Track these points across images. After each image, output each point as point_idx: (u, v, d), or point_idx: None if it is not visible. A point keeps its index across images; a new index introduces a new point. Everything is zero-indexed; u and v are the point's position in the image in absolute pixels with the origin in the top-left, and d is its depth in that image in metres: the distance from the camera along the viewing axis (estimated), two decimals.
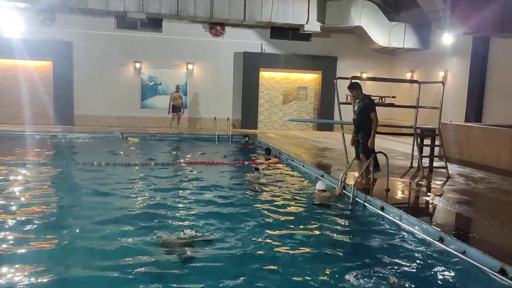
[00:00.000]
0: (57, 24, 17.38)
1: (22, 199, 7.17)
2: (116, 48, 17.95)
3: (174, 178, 9.20)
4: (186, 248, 4.97)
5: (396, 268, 4.62)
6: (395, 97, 10.14)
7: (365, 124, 7.29)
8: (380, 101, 9.96)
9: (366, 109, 7.25)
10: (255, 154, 13.21)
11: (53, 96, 17.72)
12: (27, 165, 9.86)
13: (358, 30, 18.15)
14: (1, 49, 16.79)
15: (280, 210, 6.77)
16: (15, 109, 17.41)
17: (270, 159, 11.98)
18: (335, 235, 5.71)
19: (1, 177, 8.55)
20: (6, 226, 5.63)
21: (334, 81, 9.16)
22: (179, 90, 17.12)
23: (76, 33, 17.47)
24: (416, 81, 9.93)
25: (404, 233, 5.65)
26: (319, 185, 7.76)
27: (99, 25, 17.63)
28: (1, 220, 5.86)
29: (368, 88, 18.01)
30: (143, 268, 4.45)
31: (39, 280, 4.14)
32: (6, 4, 15.97)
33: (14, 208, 6.51)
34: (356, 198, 7.14)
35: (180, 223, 5.94)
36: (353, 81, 7.76)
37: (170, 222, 6.01)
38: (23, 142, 13.92)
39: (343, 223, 6.33)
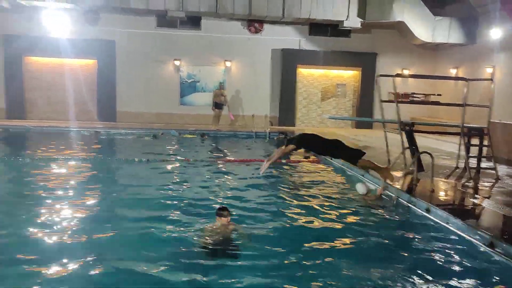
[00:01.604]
0: (101, 24, 17.92)
1: (71, 192, 7.42)
2: (156, 46, 18.31)
3: (213, 175, 9.25)
4: (226, 242, 5.02)
5: (444, 274, 4.45)
6: (440, 95, 9.81)
7: None
8: (425, 99, 9.63)
9: None
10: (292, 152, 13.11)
11: (97, 93, 18.31)
12: (80, 159, 10.23)
13: (400, 25, 17.66)
14: (49, 49, 17.47)
15: (319, 210, 6.68)
16: (62, 105, 18.12)
17: (309, 157, 11.87)
18: (377, 237, 5.57)
19: (54, 171, 8.91)
20: (56, 219, 5.85)
21: (376, 78, 8.94)
22: (222, 87, 17.33)
23: (118, 32, 17.95)
24: (464, 79, 9.53)
25: (452, 237, 5.44)
26: (360, 189, 7.57)
27: (140, 24, 18.03)
28: (51, 211, 6.10)
29: (411, 85, 17.59)
30: (186, 260, 4.52)
31: (88, 272, 4.28)
32: (54, 5, 16.61)
33: (61, 201, 6.75)
34: (399, 199, 6.95)
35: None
36: None
37: (209, 217, 6.04)
38: (75, 137, 14.53)
39: (385, 225, 6.17)
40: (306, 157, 11.85)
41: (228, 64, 18.69)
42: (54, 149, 11.80)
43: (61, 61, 17.96)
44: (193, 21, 18.21)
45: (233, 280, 4.20)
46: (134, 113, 18.48)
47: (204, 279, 4.20)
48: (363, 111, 19.01)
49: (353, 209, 6.85)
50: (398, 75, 8.03)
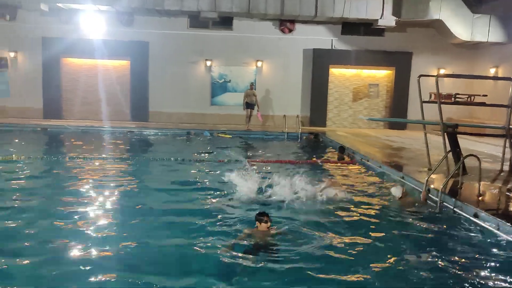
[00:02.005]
0: (135, 25, 18.20)
1: (107, 192, 7.50)
2: (189, 46, 18.45)
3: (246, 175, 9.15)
4: (266, 246, 4.95)
5: (497, 280, 4.25)
6: (486, 95, 9.44)
7: None
8: (469, 100, 9.28)
9: None
10: (325, 153, 12.97)
11: (130, 93, 18.61)
12: (118, 159, 10.40)
13: (437, 24, 17.18)
14: (85, 50, 17.89)
15: (357, 214, 6.51)
16: (96, 105, 18.50)
17: (343, 158, 11.68)
18: (421, 242, 5.38)
19: (93, 169, 9.07)
20: (90, 215, 5.91)
21: (417, 78, 8.67)
22: (252, 87, 17.34)
23: (152, 33, 18.19)
24: (509, 78, 9.15)
25: (504, 243, 5.20)
26: (395, 192, 7.32)
27: (173, 25, 18.21)
28: (84, 211, 6.17)
29: (446, 86, 17.06)
30: (224, 264, 4.48)
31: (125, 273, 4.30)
32: (91, 7, 16.98)
33: (96, 199, 6.84)
34: (444, 203, 6.70)
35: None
36: None
37: (246, 219, 5.98)
38: (116, 137, 14.92)
39: (430, 230, 5.94)
40: (340, 159, 11.67)
41: (259, 64, 18.65)
42: (93, 148, 12.05)
43: (96, 62, 18.35)
44: (225, 21, 18.25)
45: (271, 283, 4.13)
46: (166, 113, 18.68)
47: (243, 282, 4.15)
48: (397, 112, 18.60)
49: (392, 212, 6.65)
50: (441, 75, 7.73)
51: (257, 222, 5.32)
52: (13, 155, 10.13)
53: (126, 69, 18.70)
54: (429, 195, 7.14)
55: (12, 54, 18.11)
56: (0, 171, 8.71)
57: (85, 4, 16.69)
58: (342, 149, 12.18)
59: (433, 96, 8.95)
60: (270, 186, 7.35)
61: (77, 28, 17.72)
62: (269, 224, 5.30)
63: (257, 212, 5.51)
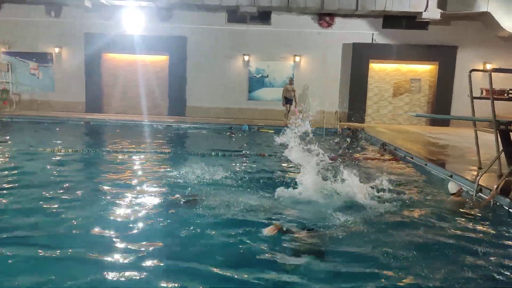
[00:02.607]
0: (173, 20, 18.39)
1: (155, 187, 7.56)
2: (226, 41, 18.47)
3: (282, 172, 9.03)
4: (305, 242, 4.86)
5: None
6: None
7: None
8: None
9: None
10: (366, 149, 12.67)
11: (168, 88, 18.85)
12: (165, 154, 10.54)
13: (484, 16, 16.43)
14: (125, 46, 18.25)
15: (403, 215, 6.26)
16: (135, 100, 18.86)
17: (384, 154, 11.37)
18: (475, 246, 5.10)
19: (137, 163, 9.21)
20: (131, 210, 5.96)
21: (468, 74, 8.28)
22: (292, 82, 17.21)
23: (190, 28, 18.33)
24: None
25: None
26: (452, 187, 7.01)
27: (211, 20, 18.27)
28: (127, 204, 6.23)
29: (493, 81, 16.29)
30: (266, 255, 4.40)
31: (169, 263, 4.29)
32: (132, 3, 17.28)
33: (140, 193, 6.90)
34: (498, 204, 6.36)
35: (296, 219, 5.76)
36: None
37: (283, 216, 5.87)
38: (155, 131, 15.14)
39: (483, 232, 5.65)
40: (381, 155, 11.37)
41: (297, 59, 18.45)
42: (137, 142, 12.26)
43: (135, 57, 18.66)
44: (263, 16, 18.15)
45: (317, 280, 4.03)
46: (203, 108, 18.80)
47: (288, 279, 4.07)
48: (440, 108, 17.96)
49: (441, 212, 6.35)
50: (495, 70, 7.34)
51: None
52: (60, 148, 10.43)
53: (165, 64, 18.94)
54: (480, 194, 6.81)
55: (57, 50, 18.71)
56: (49, 163, 8.97)
57: (127, 0, 16.99)
58: (383, 145, 11.87)
59: (484, 92, 8.54)
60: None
61: (117, 24, 18.09)
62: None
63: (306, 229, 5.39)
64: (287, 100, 17.02)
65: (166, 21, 18.36)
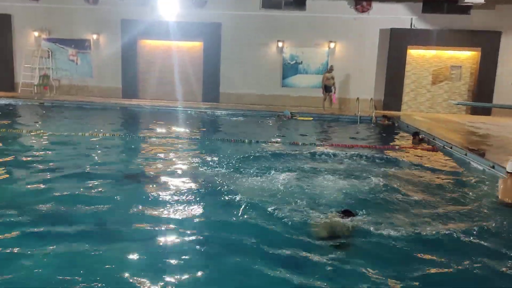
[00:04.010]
0: (208, 7, 18.39)
1: (188, 175, 7.63)
2: (261, 27, 18.32)
3: (313, 161, 8.89)
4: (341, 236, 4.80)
5: None
6: None
7: None
8: None
9: None
10: (402, 138, 12.37)
11: (203, 74, 18.94)
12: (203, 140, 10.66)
13: None
14: (160, 32, 18.39)
15: (446, 207, 6.05)
16: (170, 86, 19.06)
17: (421, 144, 11.05)
18: None
19: (179, 149, 9.35)
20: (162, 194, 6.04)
21: None
22: (332, 70, 16.96)
23: (224, 14, 18.28)
24: None
25: None
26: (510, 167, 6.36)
27: (246, 6, 18.16)
28: (158, 187, 6.31)
29: None
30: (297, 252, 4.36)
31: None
32: None
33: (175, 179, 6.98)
34: None
35: (326, 207, 5.66)
36: None
37: (316, 206, 5.78)
38: (193, 117, 15.40)
39: None
40: (416, 144, 11.06)
41: (332, 45, 18.11)
42: (179, 128, 12.44)
43: (170, 44, 18.82)
44: (298, 1, 17.88)
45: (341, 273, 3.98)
46: (236, 94, 18.81)
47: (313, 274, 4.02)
48: (481, 96, 17.22)
49: (490, 206, 6.08)
50: None
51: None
52: (97, 132, 10.71)
53: (199, 51, 19.01)
54: None
55: (94, 36, 19.12)
56: (86, 147, 9.23)
57: None
58: (416, 135, 11.56)
59: None
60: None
61: (153, 10, 18.21)
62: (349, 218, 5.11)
63: (341, 210, 5.32)
64: (327, 88, 16.81)
65: (201, 7, 18.39)
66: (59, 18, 19.00)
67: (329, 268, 4.06)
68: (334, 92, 16.91)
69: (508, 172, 6.32)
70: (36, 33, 19.24)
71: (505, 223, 5.31)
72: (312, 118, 15.61)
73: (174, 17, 18.29)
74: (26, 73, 19.09)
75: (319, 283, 3.80)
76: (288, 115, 15.54)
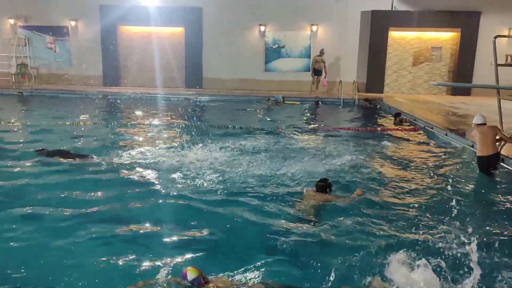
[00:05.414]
0: None
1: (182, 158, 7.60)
2: (242, 11, 18.12)
3: (305, 143, 8.99)
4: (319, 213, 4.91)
5: None
6: None
7: None
8: None
9: None
10: (384, 119, 12.54)
11: (185, 60, 18.73)
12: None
13: None
14: (140, 17, 18.01)
15: (428, 182, 6.22)
16: (152, 73, 18.78)
17: (402, 125, 11.24)
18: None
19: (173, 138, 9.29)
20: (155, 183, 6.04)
21: (493, 40, 7.99)
22: (322, 54, 16.88)
23: None
24: None
25: None
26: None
27: None
28: (151, 177, 6.32)
29: None
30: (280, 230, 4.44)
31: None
32: None
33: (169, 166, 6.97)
34: None
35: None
36: None
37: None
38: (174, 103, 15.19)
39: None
40: (398, 124, 11.27)
41: (314, 28, 18.07)
42: (167, 115, 12.33)
43: (151, 29, 18.48)
44: None
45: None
46: (219, 79, 18.67)
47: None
48: (461, 77, 17.43)
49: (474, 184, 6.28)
50: None
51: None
52: (79, 121, 10.58)
53: (181, 36, 18.77)
54: (503, 164, 6.71)
55: (73, 23, 18.69)
56: (69, 136, 9.11)
57: None
58: (397, 115, 11.74)
59: (509, 58, 8.27)
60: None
61: None
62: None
63: (318, 180, 5.47)
64: (316, 71, 16.78)
65: None
66: (35, 4, 18.48)
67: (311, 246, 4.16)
68: (325, 76, 16.90)
69: (476, 124, 7.02)
70: (11, 21, 18.71)
71: (483, 190, 5.87)
72: (299, 103, 15.68)
73: (154, 2, 17.98)
74: (3, 62, 18.60)
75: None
76: (279, 99, 15.58)
